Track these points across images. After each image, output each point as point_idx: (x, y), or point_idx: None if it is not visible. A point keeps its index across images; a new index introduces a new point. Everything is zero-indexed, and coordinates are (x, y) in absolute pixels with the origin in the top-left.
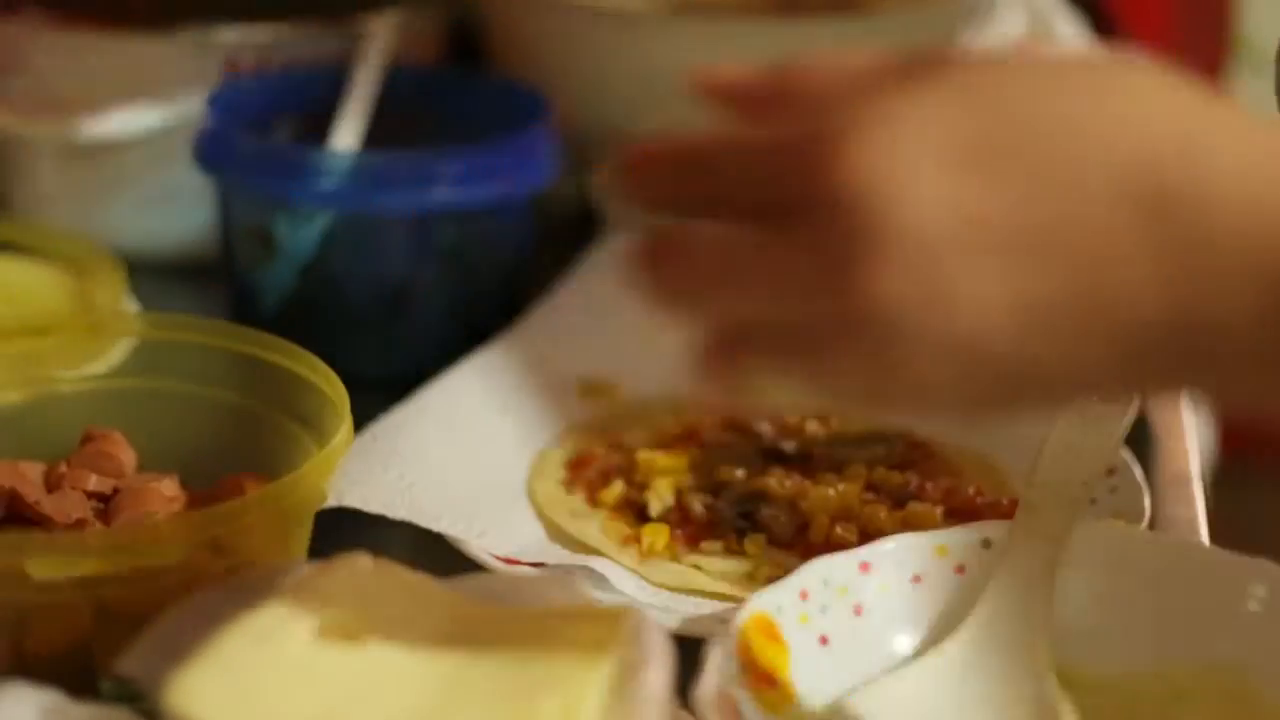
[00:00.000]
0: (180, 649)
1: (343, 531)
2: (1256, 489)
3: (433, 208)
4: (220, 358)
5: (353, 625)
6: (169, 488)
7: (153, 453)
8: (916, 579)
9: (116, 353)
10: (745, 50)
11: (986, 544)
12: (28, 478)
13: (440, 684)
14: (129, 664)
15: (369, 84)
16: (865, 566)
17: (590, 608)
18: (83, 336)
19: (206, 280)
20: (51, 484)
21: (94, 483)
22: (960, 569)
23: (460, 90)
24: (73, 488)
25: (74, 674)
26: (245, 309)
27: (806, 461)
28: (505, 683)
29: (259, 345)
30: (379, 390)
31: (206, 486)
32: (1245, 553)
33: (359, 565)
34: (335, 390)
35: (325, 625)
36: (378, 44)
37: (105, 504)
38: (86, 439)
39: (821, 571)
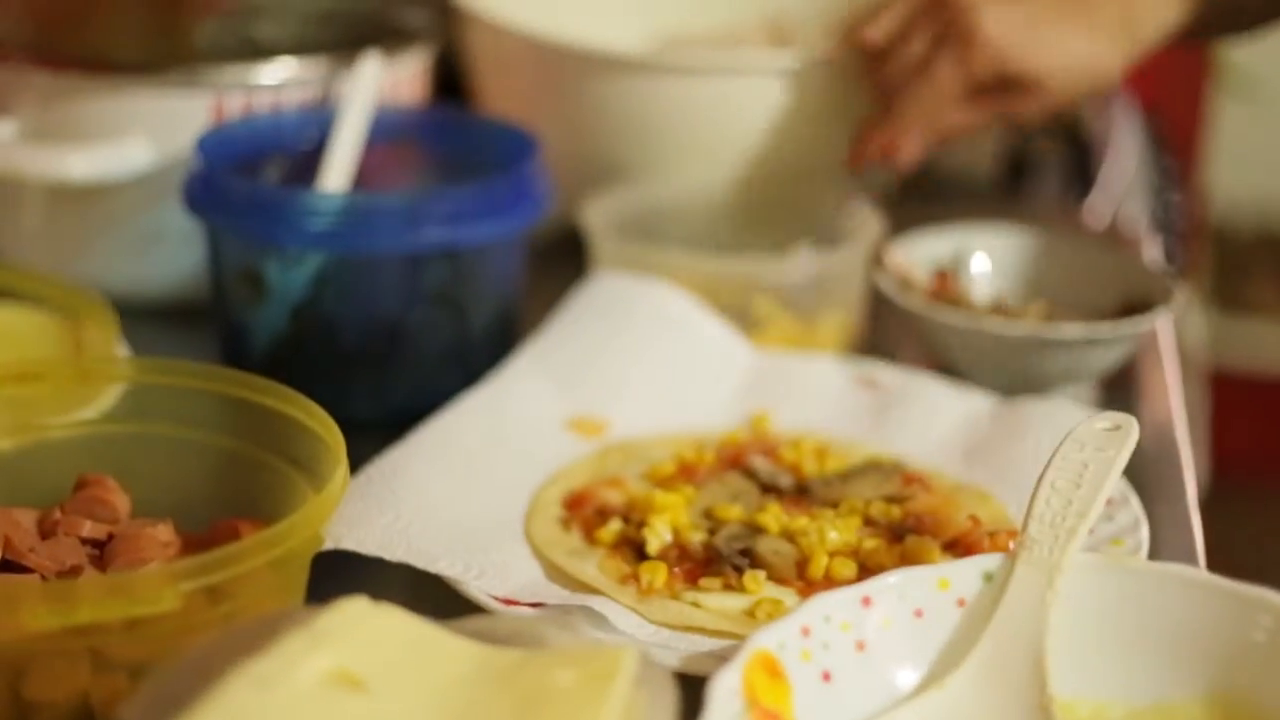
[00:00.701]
0: (181, 696)
1: (339, 575)
2: (1247, 514)
3: (423, 248)
4: (214, 402)
5: (354, 670)
6: (164, 533)
7: (146, 498)
8: (918, 613)
9: (108, 398)
10: (732, 86)
11: (988, 576)
12: (21, 525)
13: None
14: (129, 712)
15: (357, 125)
16: (867, 601)
17: (592, 648)
18: (75, 382)
19: (196, 323)
20: (45, 530)
21: (88, 529)
22: (961, 602)
23: (448, 130)
24: (67, 534)
25: None
26: (236, 351)
27: (803, 496)
28: None
29: (253, 389)
30: (372, 431)
31: (196, 529)
32: (1240, 578)
33: (358, 609)
34: (330, 434)
35: (327, 670)
36: (364, 85)
37: (100, 550)
38: (80, 485)
39: (823, 608)
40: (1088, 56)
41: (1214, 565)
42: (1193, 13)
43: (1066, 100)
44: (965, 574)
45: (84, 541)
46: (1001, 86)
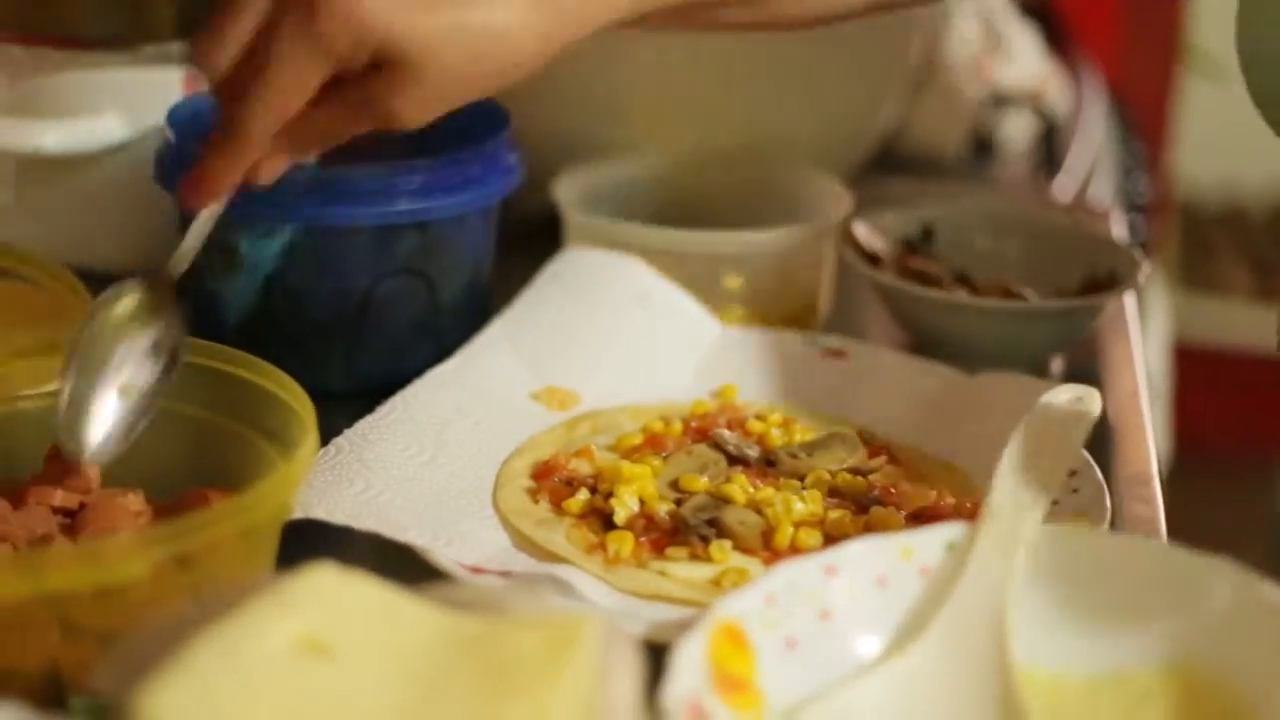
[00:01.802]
0: (150, 663)
1: (308, 544)
2: (1208, 488)
3: (394, 220)
4: (184, 372)
5: (322, 637)
6: (134, 503)
7: (117, 468)
8: (881, 582)
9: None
10: (701, 58)
11: (950, 546)
12: None
13: (409, 694)
14: (99, 679)
15: None
16: (830, 570)
17: (557, 616)
18: (48, 354)
19: None
20: (15, 500)
21: (59, 499)
22: (924, 571)
23: None
24: (38, 503)
25: (42, 691)
26: (208, 323)
27: (769, 467)
28: (474, 692)
29: (223, 360)
30: (343, 402)
31: (166, 498)
32: (1201, 550)
33: (326, 576)
34: (300, 403)
35: (295, 637)
36: None
37: (71, 519)
38: (51, 455)
39: (787, 576)
40: (489, 29)
41: (1175, 537)
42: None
43: (455, 92)
44: (928, 543)
45: (55, 511)
46: (369, 68)
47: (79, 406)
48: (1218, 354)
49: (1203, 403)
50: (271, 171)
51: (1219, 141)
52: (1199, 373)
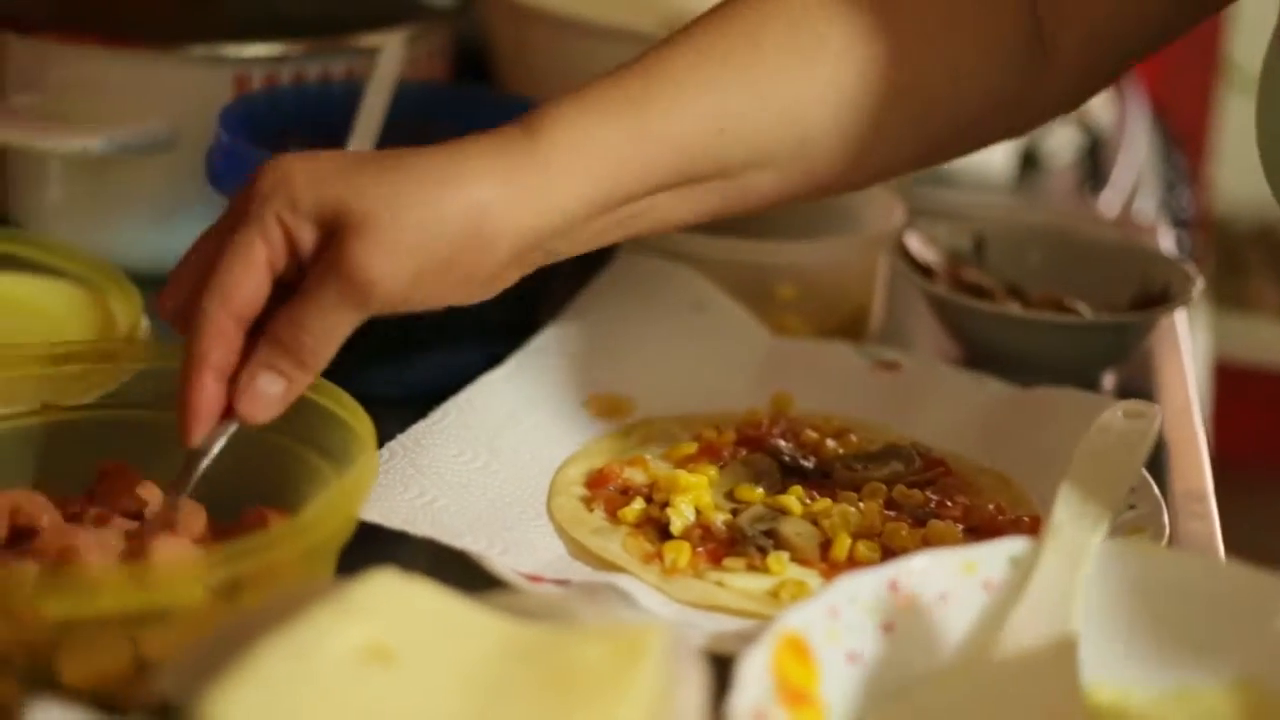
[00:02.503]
0: (213, 668)
1: (362, 550)
2: (1247, 506)
3: None
4: None
5: (385, 643)
6: (197, 525)
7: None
8: (944, 596)
9: (127, 375)
10: None
11: (1014, 561)
12: (46, 508)
13: (472, 702)
14: (164, 682)
15: (379, 101)
16: (893, 584)
17: (621, 625)
18: (101, 363)
19: None
20: (69, 515)
21: (118, 522)
22: (987, 586)
23: (470, 107)
24: (99, 524)
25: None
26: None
27: (825, 479)
28: (538, 701)
29: None
30: (394, 409)
31: (224, 518)
32: (1252, 563)
33: (388, 581)
34: (360, 422)
35: (358, 643)
36: (388, 61)
37: (131, 540)
38: (104, 473)
39: (850, 589)
40: (428, 191)
41: (1227, 554)
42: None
43: (419, 247)
44: (991, 558)
45: (114, 528)
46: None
47: None
48: (1253, 372)
49: (1239, 421)
50: (256, 396)
51: (1255, 158)
52: (1235, 391)
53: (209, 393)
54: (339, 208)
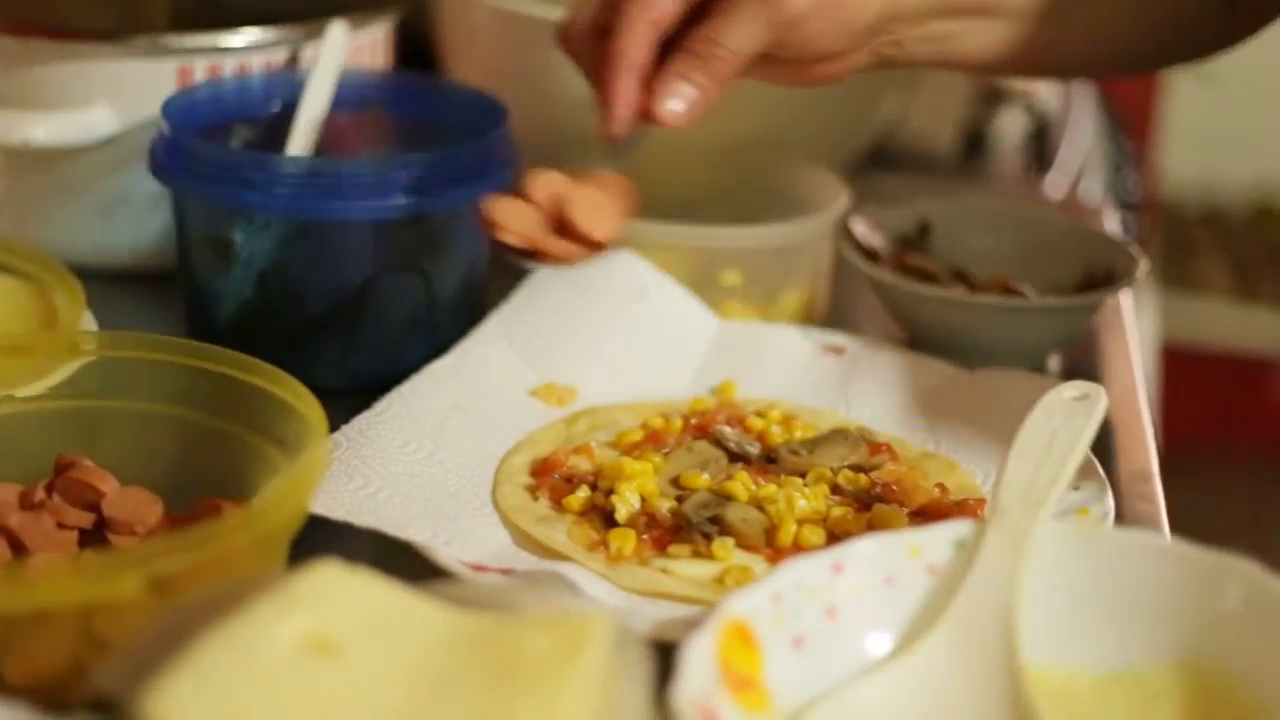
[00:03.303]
0: (154, 663)
1: (308, 541)
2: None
3: (391, 215)
4: (194, 379)
5: (328, 635)
6: (152, 515)
7: (123, 474)
8: (889, 580)
9: (72, 368)
10: None
11: (959, 544)
12: (4, 500)
13: (417, 692)
14: (106, 676)
15: (324, 90)
16: (838, 568)
17: (565, 613)
18: (52, 356)
19: (161, 289)
20: (25, 505)
21: (74, 517)
22: (932, 569)
23: (414, 97)
24: (59, 524)
25: (51, 697)
26: (202, 318)
27: (770, 465)
28: (482, 691)
29: (234, 366)
30: (339, 398)
31: (179, 508)
32: (1200, 544)
33: (332, 573)
34: (311, 411)
35: (301, 634)
36: (331, 50)
37: (85, 533)
38: (61, 465)
39: (794, 574)
40: None
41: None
42: None
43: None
44: (936, 541)
45: (68, 527)
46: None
47: None
48: (1200, 353)
49: (1186, 402)
50: (673, 100)
51: (1202, 140)
52: (1182, 372)
53: (628, 88)
54: None
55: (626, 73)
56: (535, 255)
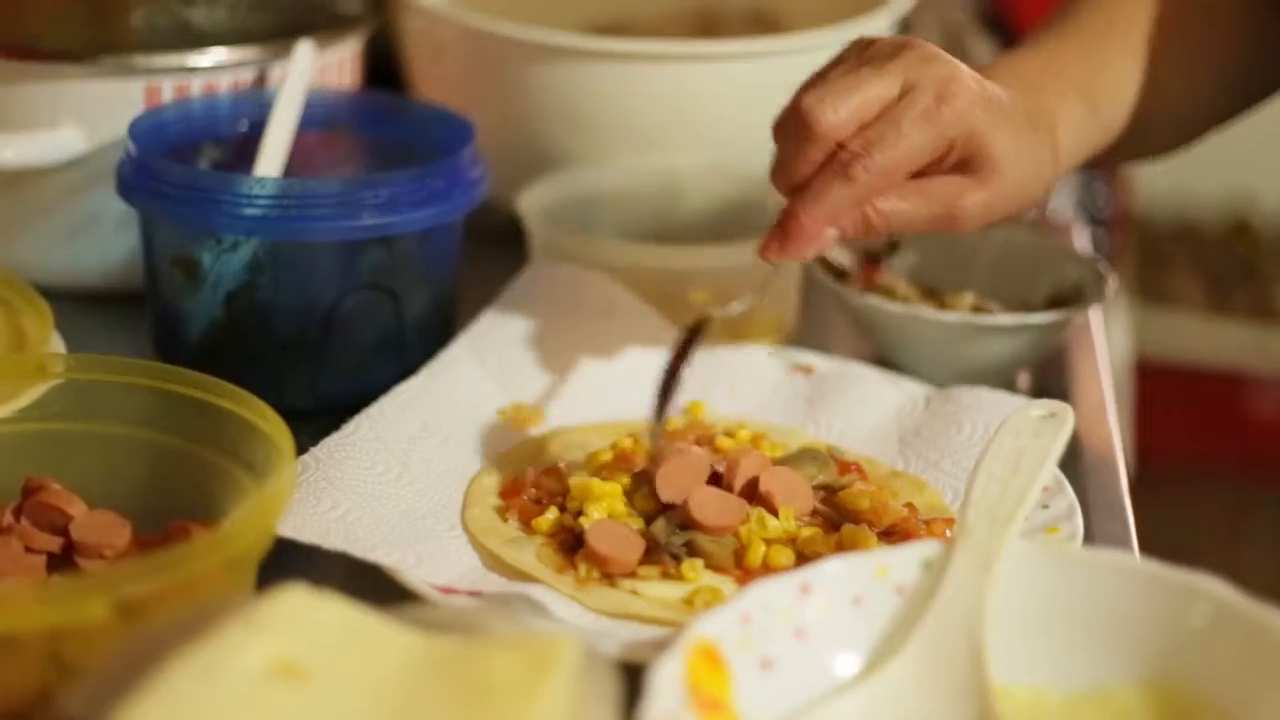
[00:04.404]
0: (120, 688)
1: (276, 564)
2: (1168, 502)
3: (359, 235)
4: (163, 401)
5: (295, 660)
6: (121, 538)
7: (91, 497)
8: (857, 601)
9: (39, 391)
10: (663, 72)
11: (926, 564)
12: None
13: (385, 717)
14: (72, 703)
15: (291, 110)
16: (806, 589)
17: (533, 636)
18: (17, 378)
19: (130, 310)
20: None
21: (42, 541)
22: (900, 590)
23: (382, 116)
24: (27, 548)
25: None
26: (170, 338)
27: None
28: (451, 715)
29: (202, 388)
30: (307, 419)
31: (145, 530)
32: (1174, 561)
33: (298, 597)
34: (279, 433)
35: (268, 660)
36: (298, 70)
37: (54, 557)
38: (29, 489)
39: (762, 595)
40: (1032, 154)
41: (1141, 553)
42: (1105, 134)
43: (1008, 203)
44: (904, 561)
45: (33, 551)
46: (956, 167)
47: None
48: (1171, 367)
49: (1160, 418)
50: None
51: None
52: (1156, 387)
53: (818, 231)
54: (981, 158)
55: (832, 222)
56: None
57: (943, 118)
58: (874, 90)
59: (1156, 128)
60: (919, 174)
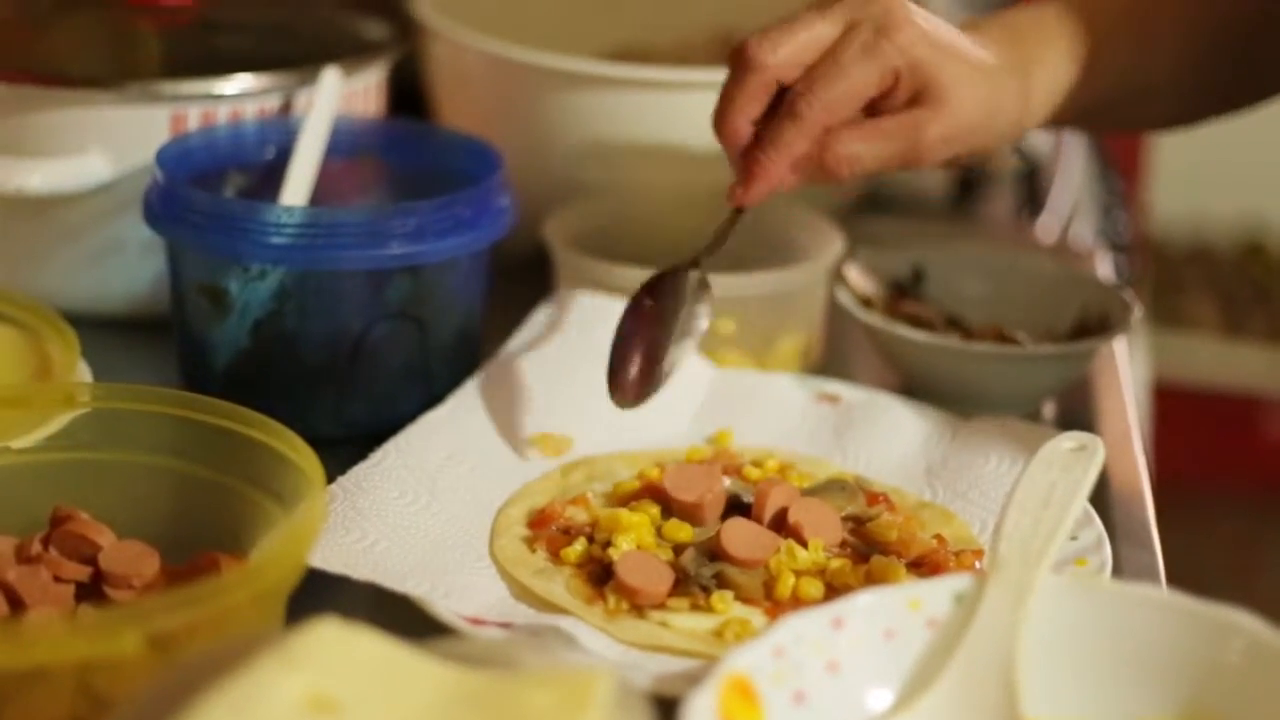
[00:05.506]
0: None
1: (303, 595)
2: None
3: (387, 264)
4: (193, 432)
5: (328, 693)
6: (149, 568)
7: (119, 527)
8: (889, 634)
9: (67, 419)
10: (687, 99)
11: (958, 597)
12: (1, 553)
13: None
14: None
15: (317, 137)
16: (838, 622)
17: (566, 670)
18: (45, 407)
19: (155, 337)
20: (21, 558)
21: (71, 570)
22: (931, 623)
23: (408, 144)
24: (56, 577)
25: None
26: (196, 367)
27: None
28: None
29: (232, 419)
30: (333, 448)
31: (175, 561)
32: (1193, 585)
33: (331, 631)
34: (310, 465)
35: (302, 693)
36: (324, 97)
37: (82, 586)
38: (58, 518)
39: (795, 628)
40: (990, 89)
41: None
42: (1079, 90)
43: (965, 135)
44: (936, 595)
45: (61, 581)
46: (911, 103)
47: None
48: (1185, 390)
49: (1176, 439)
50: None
51: (1189, 178)
52: (1169, 409)
53: (777, 171)
54: (933, 90)
55: (787, 160)
56: None
57: (883, 50)
58: (814, 30)
59: (1155, 94)
60: (875, 114)
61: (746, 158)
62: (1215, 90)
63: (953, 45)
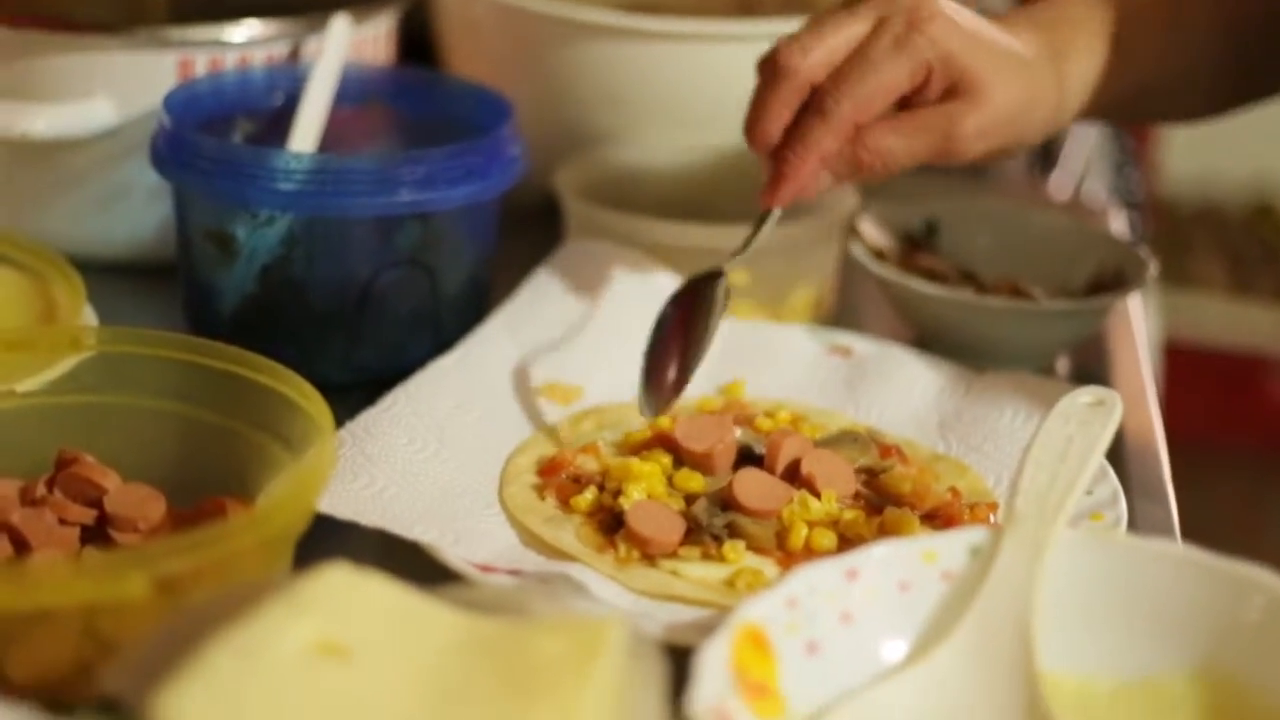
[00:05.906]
0: (162, 666)
1: (312, 540)
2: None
3: (396, 211)
4: (200, 376)
5: (338, 639)
6: (155, 512)
7: (125, 470)
8: (904, 586)
9: (73, 362)
10: (701, 52)
11: (974, 550)
12: (6, 495)
13: (428, 697)
14: (114, 679)
15: (325, 85)
16: (852, 574)
17: (579, 618)
18: (50, 351)
19: (161, 282)
20: (26, 501)
21: (76, 513)
22: (947, 576)
23: (417, 92)
24: (61, 520)
25: (55, 698)
26: (203, 312)
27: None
28: (496, 695)
29: (240, 364)
30: (341, 394)
31: (182, 505)
32: (1204, 543)
33: (341, 576)
34: (319, 410)
35: (310, 639)
36: (333, 45)
37: (87, 529)
38: (63, 461)
39: (808, 579)
40: (1027, 80)
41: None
42: (1111, 79)
43: (1003, 128)
44: (951, 547)
45: (71, 524)
46: (946, 96)
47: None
48: (1194, 350)
49: (1185, 399)
50: (818, 184)
51: (1198, 138)
52: (1176, 368)
53: (806, 170)
54: (968, 83)
55: (815, 158)
56: None
57: (914, 43)
58: (845, 30)
59: (1187, 82)
60: (910, 107)
61: (775, 157)
62: (1248, 77)
63: (986, 36)
